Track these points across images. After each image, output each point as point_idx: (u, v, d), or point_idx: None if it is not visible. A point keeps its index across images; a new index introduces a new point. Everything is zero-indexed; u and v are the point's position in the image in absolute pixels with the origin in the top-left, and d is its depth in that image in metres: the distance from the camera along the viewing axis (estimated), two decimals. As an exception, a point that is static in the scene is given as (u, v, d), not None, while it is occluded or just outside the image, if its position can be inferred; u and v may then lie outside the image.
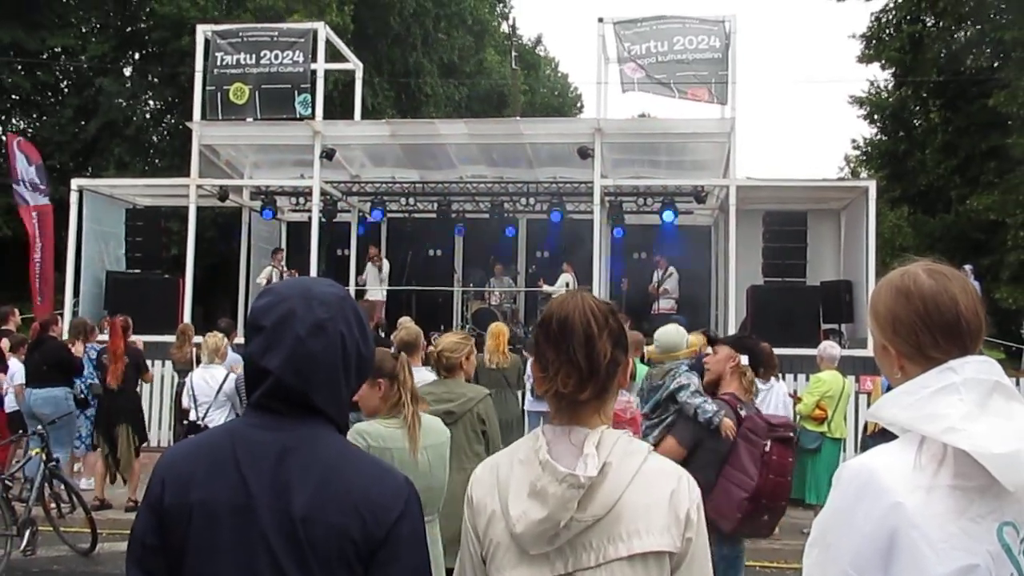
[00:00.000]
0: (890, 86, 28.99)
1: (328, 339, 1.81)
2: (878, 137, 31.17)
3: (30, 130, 28.30)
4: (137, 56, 30.35)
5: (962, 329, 1.73)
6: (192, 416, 8.69)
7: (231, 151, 16.56)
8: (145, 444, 10.38)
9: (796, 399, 9.77)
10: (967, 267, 15.06)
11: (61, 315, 14.27)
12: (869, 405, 7.56)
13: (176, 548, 1.76)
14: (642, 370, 8.19)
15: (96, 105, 27.77)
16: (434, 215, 17.68)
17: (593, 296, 2.02)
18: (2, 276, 23.07)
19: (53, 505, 8.89)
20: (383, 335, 12.31)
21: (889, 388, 1.81)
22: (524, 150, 15.49)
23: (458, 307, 17.95)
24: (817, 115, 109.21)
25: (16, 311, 12.22)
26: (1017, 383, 9.31)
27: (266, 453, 1.77)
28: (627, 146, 15.46)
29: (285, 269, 16.00)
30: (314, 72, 14.97)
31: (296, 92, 14.71)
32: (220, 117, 14.97)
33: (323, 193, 15.57)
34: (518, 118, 22.07)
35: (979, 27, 24.29)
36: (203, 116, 15.08)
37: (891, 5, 26.20)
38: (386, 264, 16.65)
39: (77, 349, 10.55)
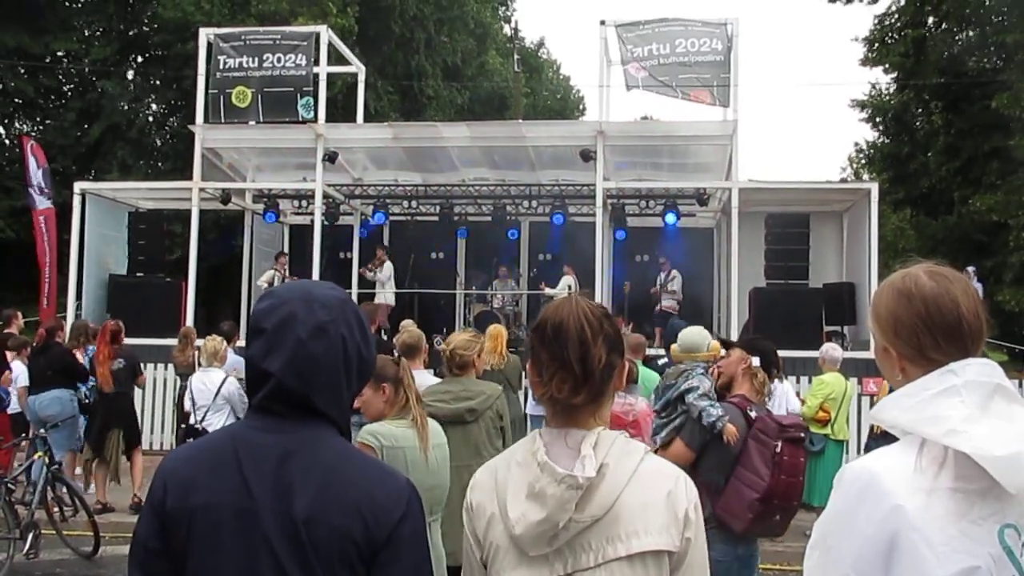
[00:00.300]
0: (892, 89, 28.99)
1: (329, 341, 1.81)
2: (880, 140, 31.18)
3: (33, 134, 28.36)
4: (140, 59, 30.42)
5: (963, 331, 1.73)
6: (191, 420, 8.69)
7: (234, 154, 16.58)
8: (146, 447, 10.40)
9: (800, 401, 9.77)
10: (970, 269, 15.09)
11: (64, 318, 14.28)
12: (873, 407, 7.56)
13: (179, 551, 1.77)
14: (643, 372, 8.23)
15: (99, 108, 27.83)
16: (436, 218, 17.69)
17: (588, 301, 2.02)
18: (6, 279, 23.12)
19: (56, 508, 8.90)
20: (385, 338, 12.30)
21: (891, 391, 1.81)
22: (526, 153, 15.49)
23: (460, 310, 17.95)
24: (819, 118, 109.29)
25: (19, 314, 12.23)
26: (1020, 385, 9.31)
27: (268, 456, 1.77)
28: (629, 148, 15.47)
29: (287, 273, 16.02)
30: (316, 75, 14.99)
31: (298, 95, 14.72)
32: (223, 120, 14.98)
33: (325, 196, 15.58)
34: (520, 121, 22.13)
35: (981, 30, 24.28)
36: (206, 119, 15.09)
37: (894, 8, 26.20)
38: (387, 267, 16.57)
39: (79, 355, 10.57)
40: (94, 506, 9.32)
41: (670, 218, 15.21)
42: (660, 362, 9.72)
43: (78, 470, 10.98)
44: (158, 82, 28.95)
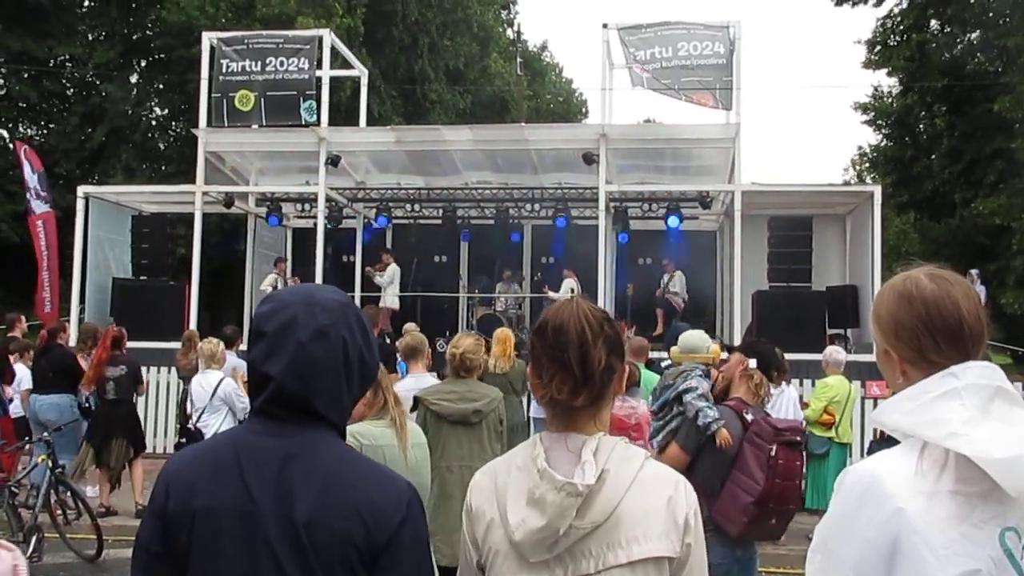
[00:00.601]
0: (895, 92, 28.97)
1: (330, 345, 1.81)
2: (883, 143, 31.16)
3: (37, 138, 28.43)
4: (143, 63, 30.49)
5: (964, 334, 1.73)
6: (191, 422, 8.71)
7: (236, 158, 16.60)
8: (149, 450, 10.41)
9: (803, 405, 9.76)
10: (973, 272, 15.07)
11: (68, 322, 14.29)
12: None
13: (181, 555, 1.77)
14: (646, 375, 8.24)
15: (102, 112, 27.90)
16: (439, 221, 17.70)
17: (589, 303, 2.03)
18: (10, 282, 23.16)
19: (59, 512, 8.89)
20: (388, 341, 12.31)
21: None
22: (529, 156, 15.49)
23: (463, 313, 17.96)
24: (822, 120, 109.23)
25: (23, 318, 12.26)
26: (1022, 388, 9.29)
27: (268, 459, 1.77)
28: (632, 152, 15.46)
29: (288, 276, 16.03)
30: (319, 79, 15.01)
31: (301, 99, 14.73)
32: (226, 124, 14.99)
33: (328, 200, 15.59)
34: (523, 124, 22.11)
35: (983, 33, 24.26)
36: (209, 123, 15.11)
37: (896, 11, 26.18)
38: (389, 270, 16.55)
39: (83, 357, 10.58)
40: (97, 509, 9.32)
41: (673, 221, 15.21)
42: (663, 364, 9.72)
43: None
44: (161, 86, 29.01)
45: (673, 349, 6.01)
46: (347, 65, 18.19)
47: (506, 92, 38.71)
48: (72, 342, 12.48)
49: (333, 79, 17.32)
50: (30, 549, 7.98)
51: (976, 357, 1.73)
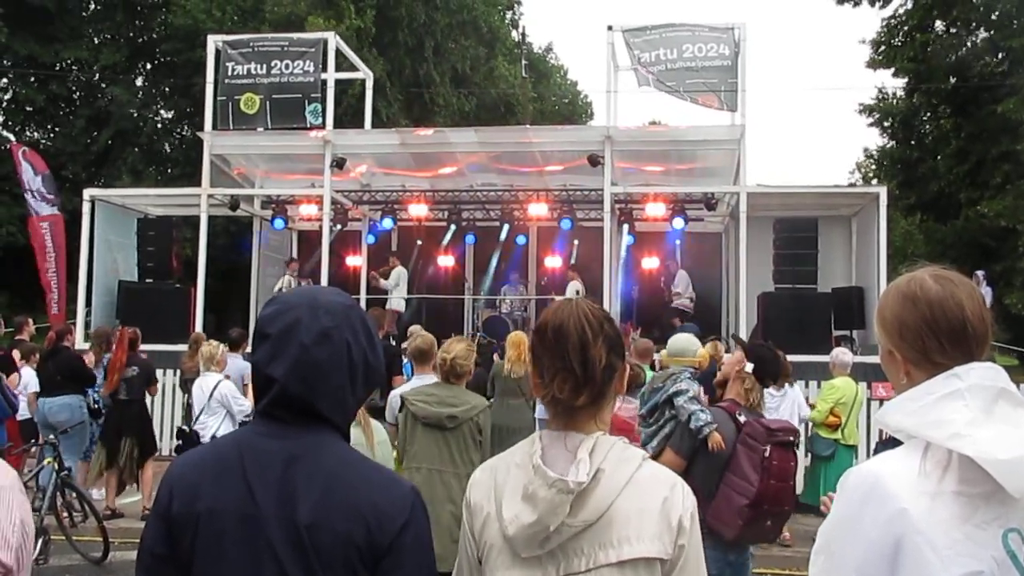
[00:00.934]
0: (900, 92, 28.92)
1: (333, 347, 1.81)
2: (889, 144, 31.08)
3: (44, 141, 28.49)
4: (149, 66, 30.55)
5: (968, 335, 1.73)
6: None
7: (242, 160, 16.63)
8: (156, 454, 10.43)
9: (809, 407, 9.74)
10: (979, 273, 15.01)
11: (74, 324, 14.33)
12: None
13: (185, 557, 1.77)
14: (651, 376, 8.22)
15: (108, 115, 27.95)
16: (444, 223, 17.71)
17: (589, 303, 2.03)
18: (18, 285, 23.22)
19: (65, 514, 8.92)
20: (394, 343, 12.32)
21: None
22: (534, 158, 15.50)
23: (469, 315, 17.96)
24: (827, 122, 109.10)
25: (31, 321, 12.30)
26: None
27: (272, 461, 1.78)
28: (637, 153, 15.46)
29: (296, 277, 16.05)
30: (324, 81, 15.03)
31: (307, 101, 14.76)
32: (231, 127, 15.02)
33: (333, 202, 15.61)
34: (528, 126, 22.10)
35: (989, 34, 24.21)
36: (214, 126, 15.15)
37: (901, 11, 26.14)
38: (395, 273, 16.56)
39: (89, 359, 10.59)
40: (103, 512, 9.34)
41: (678, 223, 15.21)
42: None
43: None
44: (167, 89, 29.07)
45: (662, 352, 6.04)
46: (353, 68, 18.22)
47: (511, 96, 38.69)
48: (78, 345, 12.53)
49: (342, 82, 17.33)
50: (36, 551, 8.01)
51: (980, 358, 1.73)
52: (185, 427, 8.50)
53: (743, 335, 13.52)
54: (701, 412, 5.05)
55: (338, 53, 15.86)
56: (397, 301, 16.27)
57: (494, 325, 16.31)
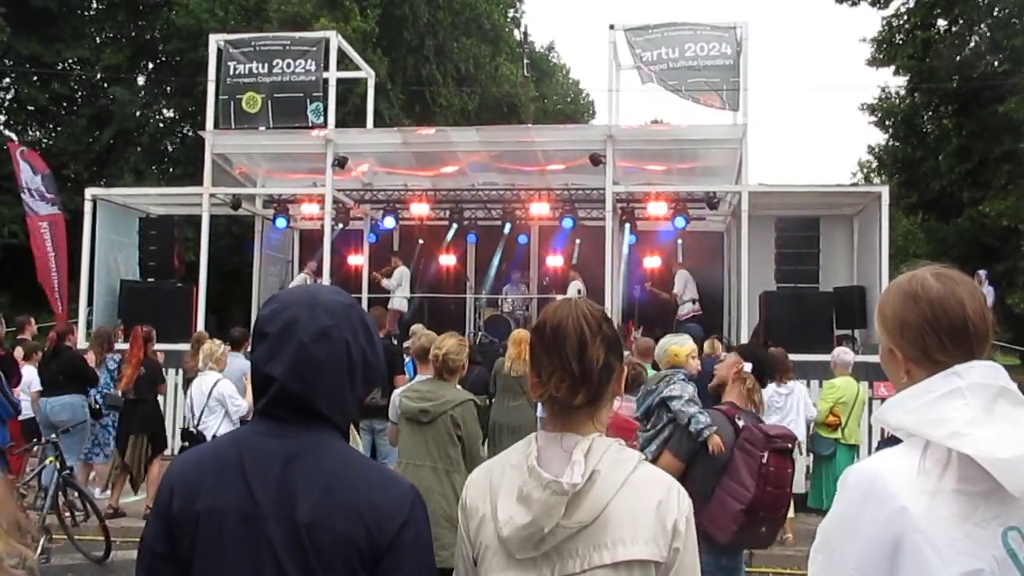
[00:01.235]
0: (902, 91, 28.88)
1: (332, 346, 1.81)
2: (890, 143, 31.05)
3: (46, 140, 28.51)
4: (151, 66, 30.56)
5: (969, 333, 1.72)
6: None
7: (244, 160, 16.62)
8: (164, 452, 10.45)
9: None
10: (981, 273, 14.98)
11: (76, 324, 14.33)
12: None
13: (185, 556, 1.77)
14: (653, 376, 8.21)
15: (110, 115, 27.96)
16: (446, 222, 17.71)
17: (588, 303, 2.03)
18: (19, 285, 23.22)
19: (67, 513, 8.92)
20: (395, 342, 12.31)
21: None
22: (536, 157, 15.49)
23: (471, 314, 17.95)
24: (829, 121, 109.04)
25: (32, 320, 12.29)
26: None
27: (271, 460, 1.78)
28: (639, 152, 15.45)
29: (312, 275, 16.02)
30: (326, 80, 15.02)
31: (308, 101, 14.75)
32: (233, 126, 15.00)
33: (335, 201, 15.60)
34: (529, 125, 22.09)
35: (991, 33, 24.18)
36: (216, 125, 15.14)
37: (903, 10, 26.11)
38: (397, 272, 16.56)
39: (90, 359, 10.60)
40: (105, 511, 9.34)
41: (680, 222, 15.20)
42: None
43: (91, 475, 11.01)
44: (169, 88, 29.09)
45: (656, 353, 6.03)
46: (355, 67, 18.21)
47: (513, 95, 38.66)
48: (80, 344, 12.54)
49: (347, 82, 17.30)
50: (38, 551, 8.01)
51: (981, 357, 1.72)
52: (191, 428, 8.49)
53: (744, 334, 13.52)
54: (700, 414, 5.03)
55: (340, 52, 15.85)
56: (399, 300, 16.26)
57: (496, 324, 16.30)
